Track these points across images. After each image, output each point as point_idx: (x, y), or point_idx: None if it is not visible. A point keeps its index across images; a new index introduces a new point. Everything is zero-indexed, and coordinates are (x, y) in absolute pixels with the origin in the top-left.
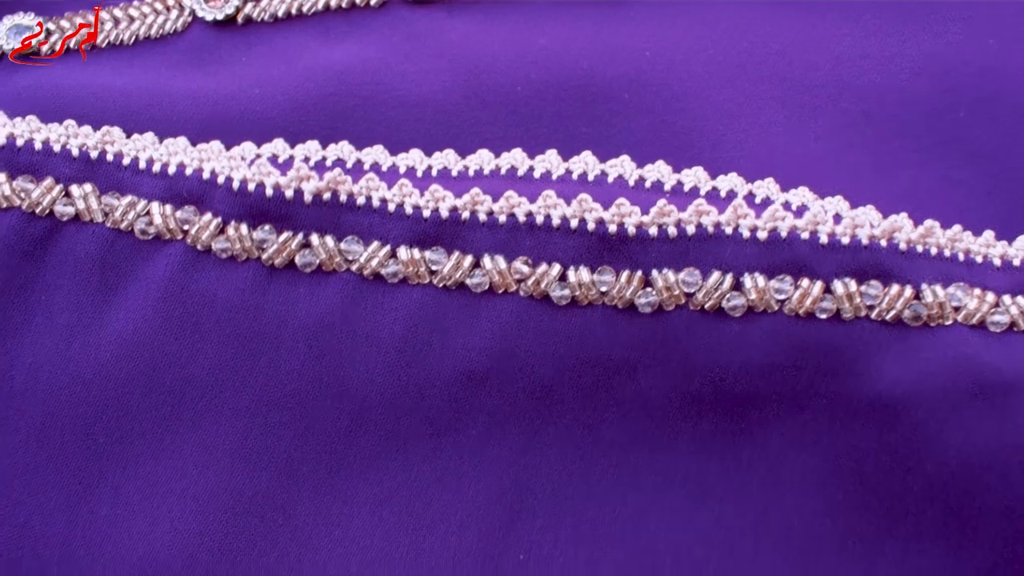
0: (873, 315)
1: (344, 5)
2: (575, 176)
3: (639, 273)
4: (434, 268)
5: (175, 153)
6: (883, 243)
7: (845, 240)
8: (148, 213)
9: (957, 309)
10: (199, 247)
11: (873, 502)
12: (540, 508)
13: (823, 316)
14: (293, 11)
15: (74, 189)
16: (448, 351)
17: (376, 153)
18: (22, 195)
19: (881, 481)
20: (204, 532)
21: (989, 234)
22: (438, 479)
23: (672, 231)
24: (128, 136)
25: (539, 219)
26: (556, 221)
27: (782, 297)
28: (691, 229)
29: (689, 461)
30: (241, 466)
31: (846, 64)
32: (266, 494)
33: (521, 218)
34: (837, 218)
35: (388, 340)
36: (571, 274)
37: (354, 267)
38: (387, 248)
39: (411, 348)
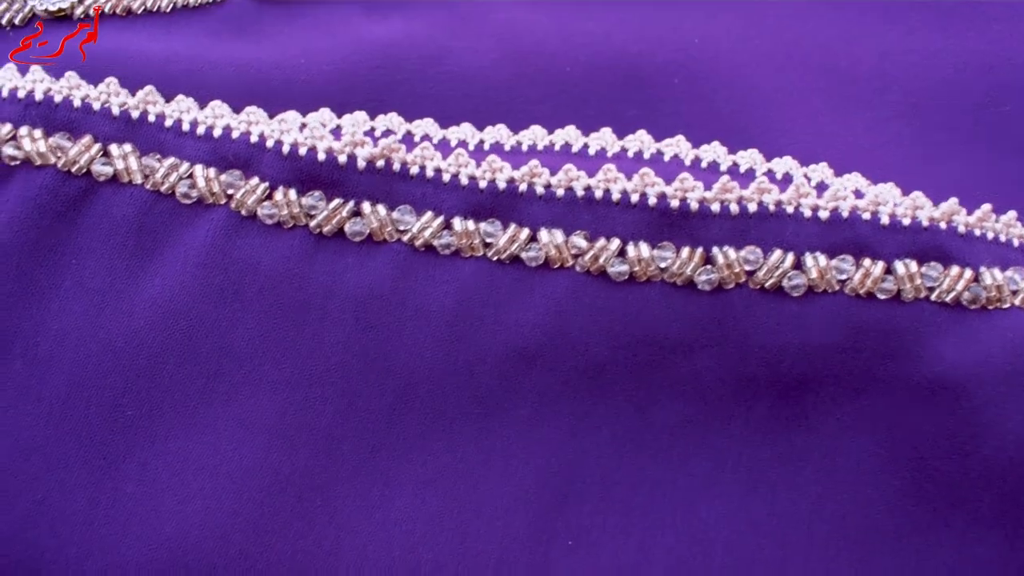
0: (933, 297)
1: None
2: (631, 154)
3: (700, 250)
4: (488, 241)
5: (220, 116)
6: (943, 225)
7: (906, 221)
8: (191, 176)
9: (1015, 293)
10: (244, 212)
11: (930, 490)
12: (589, 492)
13: (883, 297)
14: None
15: (113, 148)
16: (500, 327)
17: (426, 126)
18: (58, 153)
19: (938, 468)
20: (238, 511)
21: None
22: (485, 461)
23: (734, 208)
24: (167, 101)
25: (598, 193)
26: (616, 195)
27: (843, 277)
28: (753, 207)
29: (742, 446)
30: (278, 443)
31: (891, 58)
32: (304, 473)
33: (579, 192)
34: (895, 204)
35: (438, 314)
36: (630, 249)
37: (405, 237)
38: (441, 219)
39: (462, 323)
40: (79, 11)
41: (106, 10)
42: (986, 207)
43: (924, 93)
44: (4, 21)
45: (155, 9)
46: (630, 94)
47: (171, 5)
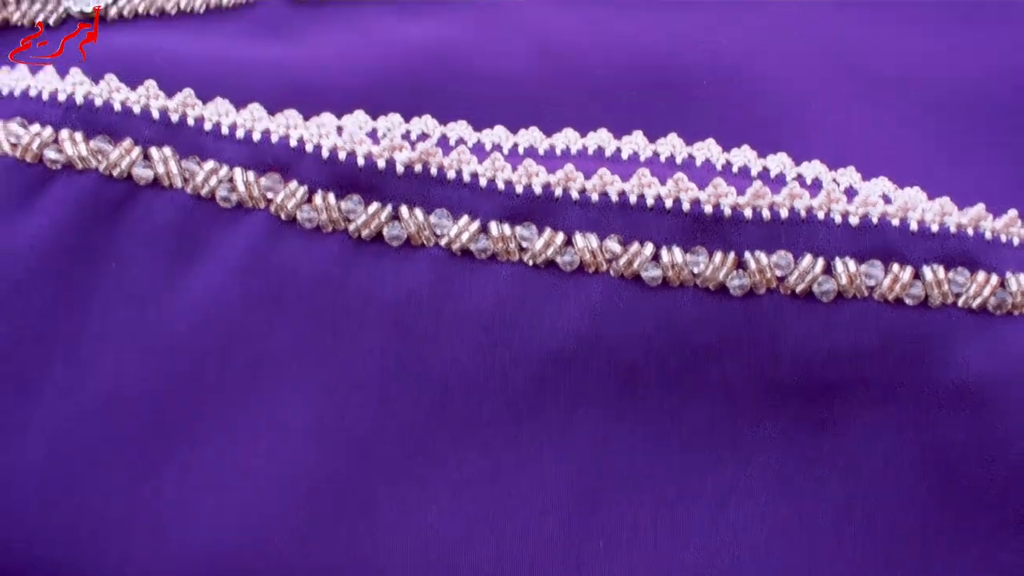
0: (960, 303)
1: None
2: (663, 158)
3: (732, 254)
4: (524, 245)
5: (259, 119)
6: (970, 232)
7: (935, 228)
8: (231, 180)
9: None
10: (283, 216)
11: (956, 495)
12: (620, 495)
13: (911, 303)
14: None
15: (154, 152)
16: (535, 331)
17: (460, 129)
18: (99, 156)
19: (965, 473)
20: (276, 516)
21: None
22: (519, 465)
23: (766, 214)
24: (203, 103)
25: (632, 198)
26: (650, 201)
27: (872, 282)
28: (784, 212)
29: (770, 450)
30: (316, 448)
31: (917, 59)
32: (341, 478)
33: (614, 197)
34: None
35: (475, 319)
36: (664, 254)
37: (443, 242)
38: (477, 223)
39: (498, 327)
40: (112, 11)
41: (140, 11)
42: (1012, 213)
43: (949, 94)
44: (37, 22)
45: (189, 10)
46: (660, 96)
47: (204, 5)
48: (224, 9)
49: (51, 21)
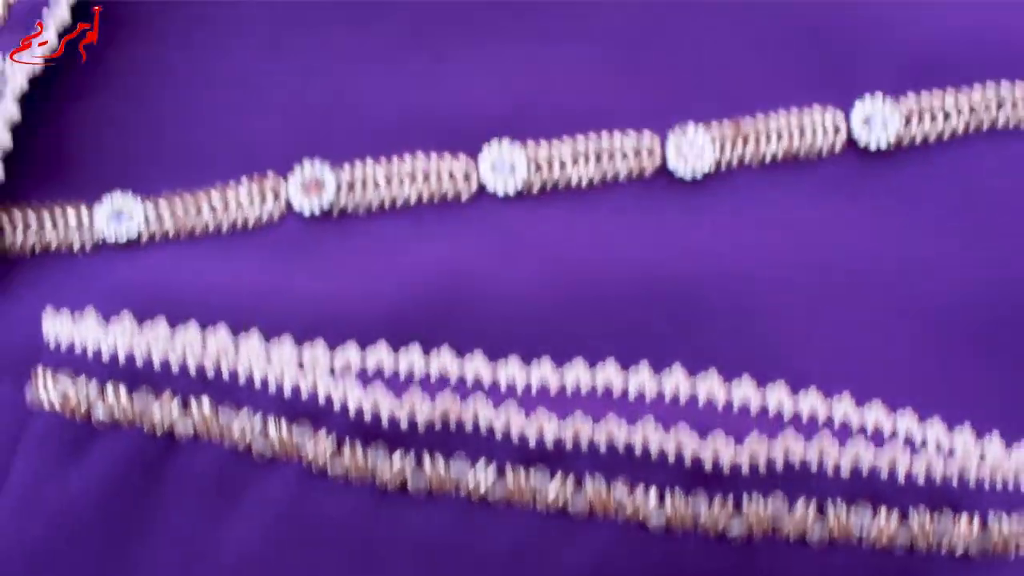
0: (943, 548)
1: (436, 200)
2: (668, 398)
3: (730, 501)
4: (537, 493)
5: (288, 366)
6: (955, 481)
7: (921, 480)
8: (265, 433)
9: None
10: (314, 468)
11: None
12: None
13: (898, 550)
14: (386, 204)
15: (192, 405)
16: (549, 572)
17: (477, 365)
18: (142, 413)
19: None
20: None
21: None
22: None
23: (763, 468)
24: (235, 334)
25: (637, 448)
26: (654, 453)
27: (860, 531)
28: (779, 463)
29: None
30: None
31: (917, 271)
32: None
33: (620, 447)
34: (912, 447)
35: (493, 562)
36: (667, 501)
37: (462, 490)
38: (494, 470)
39: (515, 568)
40: (144, 236)
41: (171, 235)
42: (998, 454)
43: (949, 309)
44: (75, 248)
45: (215, 232)
46: (670, 315)
47: (230, 228)
48: (247, 230)
49: (87, 247)
